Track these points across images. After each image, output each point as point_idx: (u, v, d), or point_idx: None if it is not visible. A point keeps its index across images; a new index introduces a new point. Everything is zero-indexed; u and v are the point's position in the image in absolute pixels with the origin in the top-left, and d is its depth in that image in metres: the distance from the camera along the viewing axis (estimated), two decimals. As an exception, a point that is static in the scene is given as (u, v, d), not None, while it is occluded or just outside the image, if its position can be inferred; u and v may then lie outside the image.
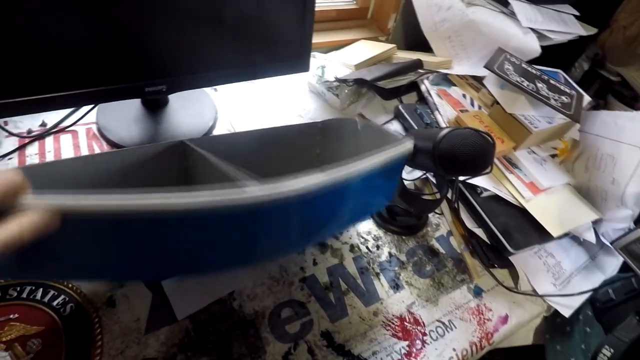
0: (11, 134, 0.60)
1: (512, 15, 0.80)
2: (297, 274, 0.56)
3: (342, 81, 0.78)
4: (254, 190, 0.26)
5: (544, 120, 0.69)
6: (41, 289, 0.44)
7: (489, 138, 0.48)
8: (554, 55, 0.79)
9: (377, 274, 0.59)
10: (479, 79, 0.82)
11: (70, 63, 0.50)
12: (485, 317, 0.58)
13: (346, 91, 0.80)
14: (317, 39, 0.85)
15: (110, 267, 0.30)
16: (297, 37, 0.66)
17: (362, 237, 0.63)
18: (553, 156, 0.74)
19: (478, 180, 0.64)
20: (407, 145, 0.43)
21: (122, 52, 0.52)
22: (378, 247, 0.62)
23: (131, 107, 0.68)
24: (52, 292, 0.44)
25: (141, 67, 0.55)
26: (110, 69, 0.53)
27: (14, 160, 0.59)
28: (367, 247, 0.62)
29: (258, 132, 0.55)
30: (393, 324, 0.54)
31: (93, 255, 0.28)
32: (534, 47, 0.76)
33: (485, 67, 0.68)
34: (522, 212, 0.63)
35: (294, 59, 0.69)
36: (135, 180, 0.44)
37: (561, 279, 0.63)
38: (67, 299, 0.44)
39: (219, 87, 0.80)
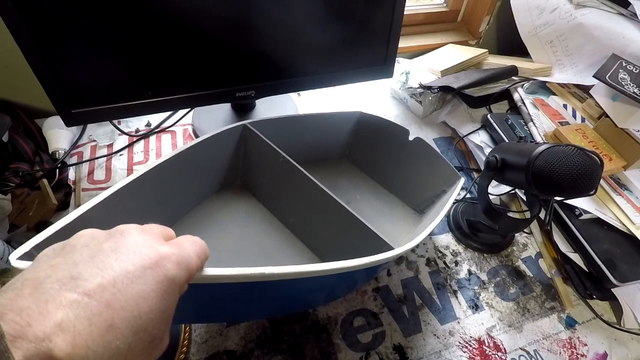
0: (123, 132, 0.69)
1: (632, 17, 0.70)
2: (371, 283, 0.56)
3: (427, 88, 0.76)
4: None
5: (665, 136, 0.60)
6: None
7: (596, 158, 0.43)
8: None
9: (455, 292, 0.56)
10: (583, 88, 0.74)
11: (174, 73, 0.55)
12: (578, 352, 0.52)
13: (430, 98, 0.77)
14: (402, 43, 0.83)
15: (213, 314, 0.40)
16: (384, 44, 0.66)
17: (440, 252, 0.61)
18: (674, 177, 0.64)
19: (577, 201, 0.57)
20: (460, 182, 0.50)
21: (217, 61, 0.57)
22: (457, 263, 0.60)
23: (222, 111, 0.73)
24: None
25: (233, 74, 0.60)
26: (206, 77, 0.58)
27: (124, 157, 0.67)
28: (444, 262, 0.59)
29: (302, 116, 0.63)
30: (470, 346, 0.51)
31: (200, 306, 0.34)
32: (658, 52, 0.66)
33: (595, 76, 0.61)
34: (631, 240, 0.56)
35: (378, 65, 0.69)
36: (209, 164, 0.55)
37: (678, 321, 0.54)
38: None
39: (302, 92, 0.83)
